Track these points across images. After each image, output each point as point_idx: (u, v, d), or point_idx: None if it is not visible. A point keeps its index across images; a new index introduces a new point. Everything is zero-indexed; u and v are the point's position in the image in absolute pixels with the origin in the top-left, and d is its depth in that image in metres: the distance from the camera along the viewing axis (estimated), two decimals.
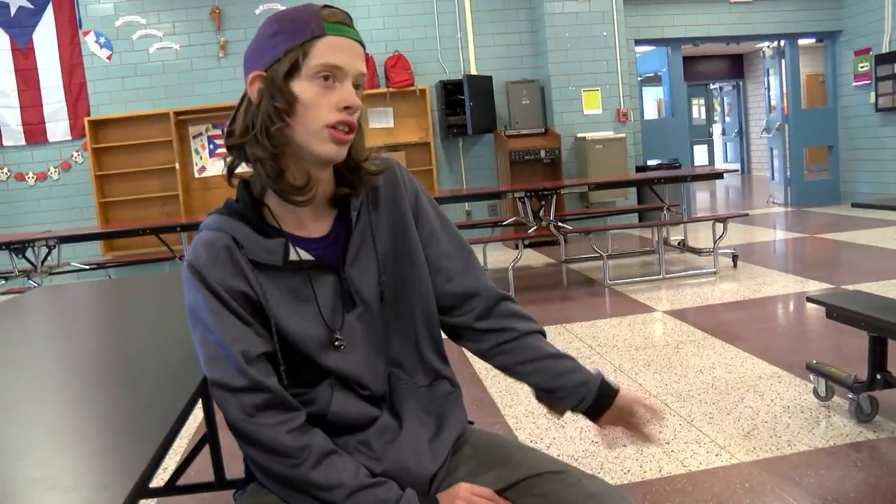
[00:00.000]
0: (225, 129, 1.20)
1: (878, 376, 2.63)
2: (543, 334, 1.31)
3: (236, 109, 1.16)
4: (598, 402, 1.24)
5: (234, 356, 1.07)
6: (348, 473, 1.09)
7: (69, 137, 7.96)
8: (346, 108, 1.11)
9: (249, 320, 1.11)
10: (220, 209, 1.18)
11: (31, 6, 7.77)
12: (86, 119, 7.85)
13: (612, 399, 1.25)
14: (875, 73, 8.79)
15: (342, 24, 1.12)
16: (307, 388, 1.16)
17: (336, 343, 1.17)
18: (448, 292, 1.28)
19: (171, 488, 2.18)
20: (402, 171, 1.29)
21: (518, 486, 1.19)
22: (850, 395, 2.72)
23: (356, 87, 1.13)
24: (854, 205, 3.05)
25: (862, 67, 9.08)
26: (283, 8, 1.14)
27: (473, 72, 8.43)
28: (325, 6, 1.13)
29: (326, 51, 1.09)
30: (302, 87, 1.10)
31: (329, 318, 1.17)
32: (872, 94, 8.88)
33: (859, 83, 9.17)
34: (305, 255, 1.16)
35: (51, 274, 5.88)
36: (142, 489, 0.82)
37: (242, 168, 1.19)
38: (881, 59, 8.67)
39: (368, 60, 7.95)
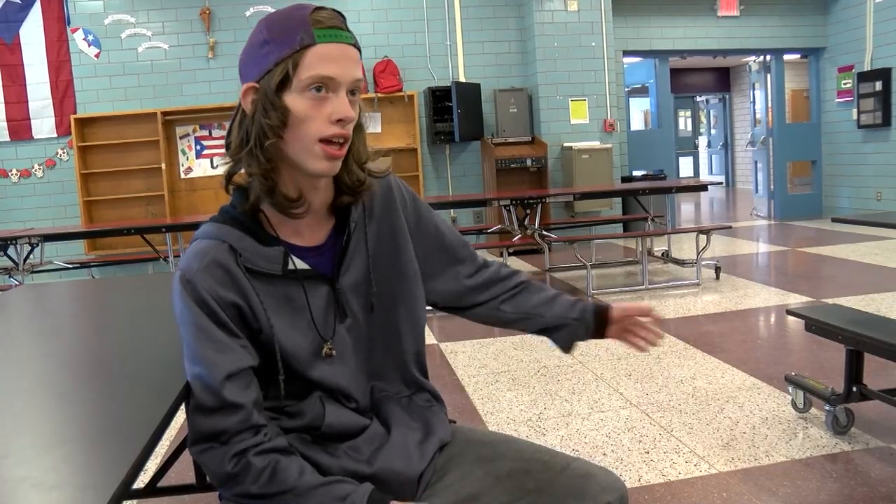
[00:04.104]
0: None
1: (855, 389, 2.67)
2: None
3: (231, 120, 1.14)
4: (598, 325, 1.35)
5: (211, 376, 1.06)
6: (292, 477, 1.06)
7: (55, 135, 7.90)
8: (340, 120, 1.08)
9: (237, 332, 1.09)
10: (215, 217, 1.15)
11: (19, 1, 7.71)
12: (72, 117, 7.80)
13: (608, 315, 1.35)
14: (857, 90, 8.91)
15: (334, 27, 1.07)
16: (295, 400, 1.16)
17: (326, 353, 1.16)
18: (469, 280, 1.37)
19: (152, 490, 2.18)
20: (398, 182, 1.29)
21: (510, 481, 1.21)
22: (827, 408, 2.76)
23: (351, 92, 1.10)
24: (834, 219, 3.10)
25: (845, 84, 9.21)
26: (272, 10, 1.10)
27: (462, 79, 8.47)
28: (317, 8, 1.08)
29: (317, 61, 1.05)
30: (294, 100, 1.06)
31: (321, 327, 1.16)
32: (854, 111, 9.00)
33: (842, 99, 9.29)
34: (301, 264, 1.14)
35: (33, 272, 5.83)
36: (126, 490, 0.83)
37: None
38: (863, 77, 8.79)
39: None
